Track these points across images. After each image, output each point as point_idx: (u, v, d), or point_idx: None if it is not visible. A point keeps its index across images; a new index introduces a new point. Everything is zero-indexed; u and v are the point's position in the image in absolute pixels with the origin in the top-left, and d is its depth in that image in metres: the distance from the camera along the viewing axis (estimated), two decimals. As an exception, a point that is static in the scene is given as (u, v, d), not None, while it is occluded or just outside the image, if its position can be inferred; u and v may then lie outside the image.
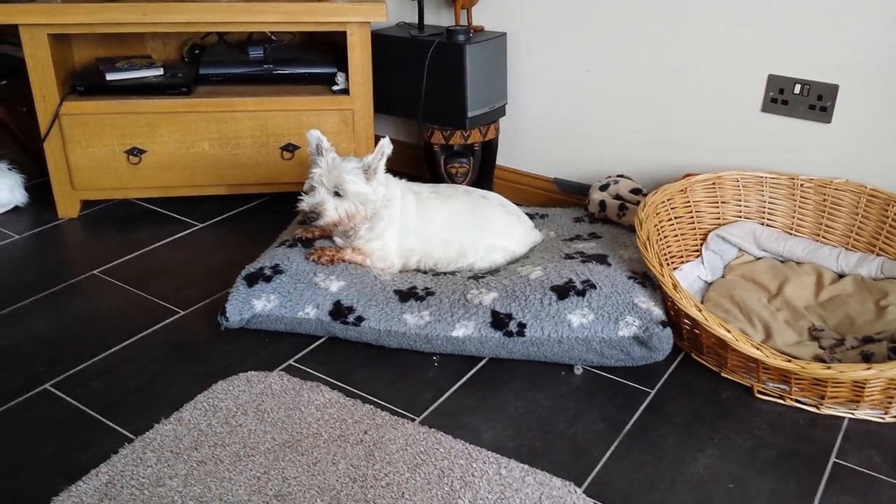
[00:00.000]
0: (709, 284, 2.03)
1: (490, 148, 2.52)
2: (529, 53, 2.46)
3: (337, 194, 1.90)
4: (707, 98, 2.19)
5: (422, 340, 1.80)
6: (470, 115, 2.36)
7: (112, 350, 1.83)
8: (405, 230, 1.99)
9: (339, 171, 1.89)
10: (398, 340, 1.81)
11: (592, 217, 2.23)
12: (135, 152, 2.39)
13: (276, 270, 1.92)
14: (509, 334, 1.75)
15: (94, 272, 2.17)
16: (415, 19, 2.56)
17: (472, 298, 1.82)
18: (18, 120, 2.67)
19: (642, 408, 1.68)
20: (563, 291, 1.78)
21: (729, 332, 1.64)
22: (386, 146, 1.90)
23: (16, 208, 2.52)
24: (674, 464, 1.52)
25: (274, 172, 2.49)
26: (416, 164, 2.76)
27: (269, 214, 2.54)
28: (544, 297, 1.77)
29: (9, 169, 2.51)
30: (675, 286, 1.71)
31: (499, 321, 1.76)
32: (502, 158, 2.60)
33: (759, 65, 2.09)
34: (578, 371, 1.78)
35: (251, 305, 1.86)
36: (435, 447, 1.54)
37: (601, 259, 1.90)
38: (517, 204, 2.20)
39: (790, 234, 2.08)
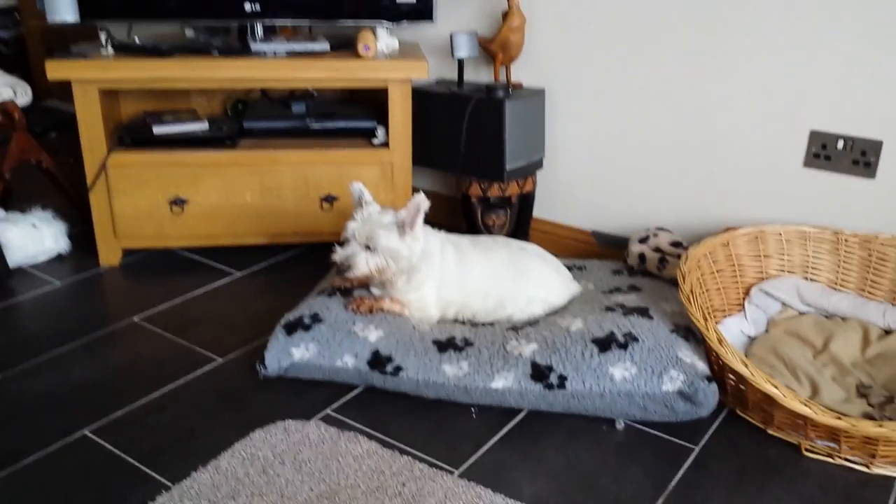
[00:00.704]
0: (752, 339, 1.99)
1: (527, 200, 2.53)
2: (568, 108, 2.48)
3: (368, 248, 1.92)
4: (748, 153, 2.19)
5: (460, 391, 1.78)
6: (508, 167, 2.38)
7: (151, 397, 1.84)
8: (444, 282, 1.99)
9: (371, 226, 1.91)
10: (436, 391, 1.79)
11: (632, 270, 2.22)
12: (178, 202, 2.44)
13: (315, 319, 1.92)
14: (550, 386, 1.73)
15: (135, 319, 2.19)
16: (454, 76, 2.61)
17: (512, 350, 1.80)
18: (64, 171, 2.75)
19: (687, 465, 1.63)
20: (604, 344, 1.76)
21: (776, 388, 1.61)
22: (421, 202, 1.91)
23: (58, 256, 2.57)
24: (722, 523, 1.48)
25: (313, 223, 2.52)
26: (452, 216, 2.78)
27: (307, 264, 2.56)
28: (585, 350, 1.75)
29: (53, 218, 2.57)
30: (720, 340, 1.68)
31: (539, 373, 1.74)
32: (539, 210, 2.61)
33: (802, 121, 2.09)
34: (620, 426, 1.74)
35: (289, 354, 1.86)
36: (475, 501, 1.50)
37: (643, 312, 1.88)
38: (555, 256, 2.19)
39: (835, 289, 2.05)
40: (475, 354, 1.81)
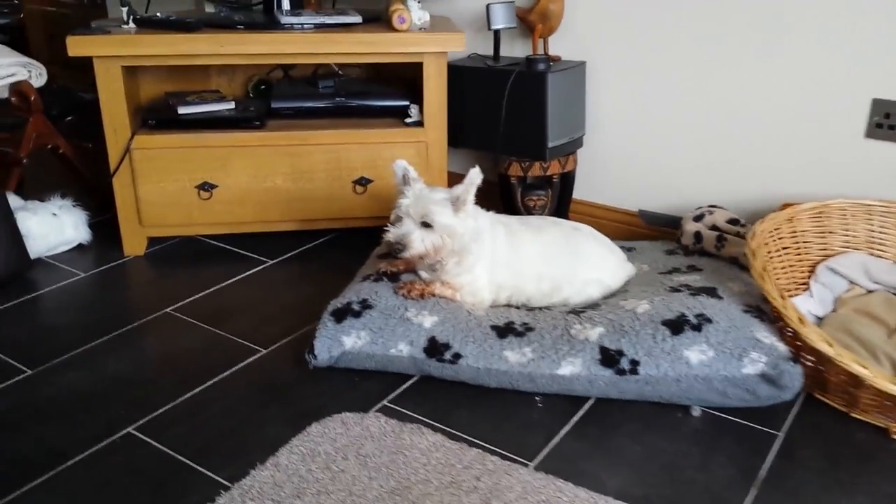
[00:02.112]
0: (820, 319, 1.91)
1: (568, 180, 2.43)
2: (609, 82, 2.38)
3: (424, 225, 1.81)
4: (805, 125, 2.10)
5: (524, 379, 1.68)
6: (550, 145, 2.28)
7: (194, 391, 1.73)
8: (495, 264, 1.89)
9: (426, 202, 1.81)
10: (498, 379, 1.70)
11: (687, 249, 2.12)
12: (206, 187, 2.32)
13: (365, 305, 1.82)
14: (621, 372, 1.63)
15: (168, 310, 2.08)
16: (486, 51, 2.51)
17: (577, 334, 1.71)
18: (82, 156, 2.63)
19: (773, 452, 1.54)
20: (676, 326, 1.66)
21: (865, 367, 1.52)
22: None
23: (79, 246, 2.45)
24: (821, 514, 1.39)
25: (346, 207, 2.41)
26: (488, 198, 2.65)
27: (341, 250, 2.45)
28: (657, 332, 1.66)
29: (73, 206, 2.45)
30: (800, 320, 1.59)
31: (609, 358, 1.65)
32: (579, 191, 2.51)
33: (862, 89, 2.00)
34: (696, 413, 1.65)
35: (340, 342, 1.76)
36: (557, 496, 1.41)
37: (710, 292, 1.79)
38: (604, 236, 2.10)
39: (903, 265, 1.97)
40: (538, 340, 1.72)
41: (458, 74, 2.38)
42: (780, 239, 1.92)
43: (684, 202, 2.33)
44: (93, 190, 2.65)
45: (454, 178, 2.54)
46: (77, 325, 2.01)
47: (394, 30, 2.26)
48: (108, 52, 2.15)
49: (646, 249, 2.18)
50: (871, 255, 1.98)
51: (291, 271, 2.33)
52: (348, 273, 2.18)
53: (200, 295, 2.16)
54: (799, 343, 1.63)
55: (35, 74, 2.49)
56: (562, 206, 2.46)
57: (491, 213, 1.96)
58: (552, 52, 2.42)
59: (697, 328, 1.65)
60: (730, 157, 2.24)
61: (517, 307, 1.92)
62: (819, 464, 1.51)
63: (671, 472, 1.49)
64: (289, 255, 2.42)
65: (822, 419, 1.64)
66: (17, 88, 2.43)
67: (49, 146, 2.52)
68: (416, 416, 1.65)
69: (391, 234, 1.83)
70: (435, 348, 1.73)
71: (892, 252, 1.98)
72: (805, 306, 1.92)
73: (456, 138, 2.44)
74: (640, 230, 2.43)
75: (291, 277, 2.29)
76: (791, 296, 1.94)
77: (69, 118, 2.58)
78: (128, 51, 2.16)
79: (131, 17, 2.23)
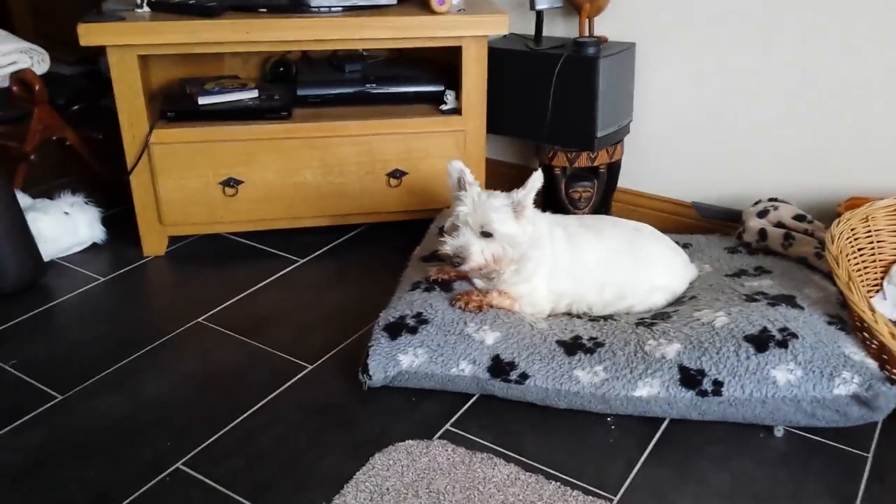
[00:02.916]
0: (894, 323, 1.81)
1: (614, 169, 2.30)
2: (659, 64, 2.23)
3: (483, 235, 1.69)
4: (872, 114, 1.98)
5: (597, 401, 1.58)
6: (599, 135, 2.14)
7: (243, 417, 1.61)
8: (555, 271, 1.78)
9: (486, 210, 1.68)
10: (569, 400, 1.59)
11: (750, 247, 2.01)
12: (231, 183, 2.17)
13: (421, 320, 1.70)
14: (703, 394, 1.53)
15: (200, 320, 1.95)
16: (523, 30, 2.35)
17: (652, 351, 1.60)
18: (90, 149, 2.45)
19: (866, 476, 1.46)
20: (760, 343, 1.56)
21: (966, 388, 1.43)
22: (537, 181, 1.69)
23: (94, 245, 2.29)
24: (931, 550, 1.31)
25: (380, 201, 2.27)
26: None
27: (375, 245, 2.32)
28: (739, 350, 1.55)
29: (85, 203, 2.29)
30: (893, 335, 1.49)
31: (689, 378, 1.54)
32: (624, 179, 2.37)
33: (941, 76, 1.88)
34: (780, 433, 1.56)
35: (397, 361, 1.65)
36: (650, 536, 1.32)
37: (790, 301, 1.68)
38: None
39: (982, 264, 1.87)
40: (609, 357, 1.61)
41: (498, 57, 2.22)
42: (855, 240, 1.81)
43: (739, 193, 2.21)
44: (106, 184, 2.48)
45: (491, 166, 2.42)
46: (104, 340, 1.87)
47: (430, 11, 2.10)
48: (124, 40, 1.97)
49: (703, 246, 2.07)
50: (947, 253, 1.88)
51: (326, 270, 2.19)
52: (387, 271, 2.07)
53: (232, 301, 2.03)
54: (885, 356, 1.53)
55: (37, 61, 2.31)
56: (607, 197, 2.33)
57: (548, 215, 1.84)
58: (598, 32, 2.27)
59: (783, 344, 1.55)
60: (791, 146, 2.11)
61: (578, 316, 1.81)
62: (918, 491, 1.43)
63: (765, 502, 1.40)
64: (320, 251, 2.28)
65: (912, 437, 1.56)
66: (19, 77, 2.24)
67: (55, 138, 2.35)
68: (483, 441, 1.55)
69: (448, 245, 1.70)
70: (500, 367, 1.62)
71: (970, 251, 1.88)
72: (879, 309, 1.82)
73: (494, 125, 2.29)
74: (689, 221, 2.31)
75: (327, 278, 2.15)
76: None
77: (76, 107, 2.40)
78: (145, 39, 1.98)
79: (144, 0, 2.05)
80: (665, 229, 2.27)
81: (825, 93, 2.03)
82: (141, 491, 1.43)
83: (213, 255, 2.27)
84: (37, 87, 2.24)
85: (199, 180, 2.16)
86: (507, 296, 1.77)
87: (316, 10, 2.09)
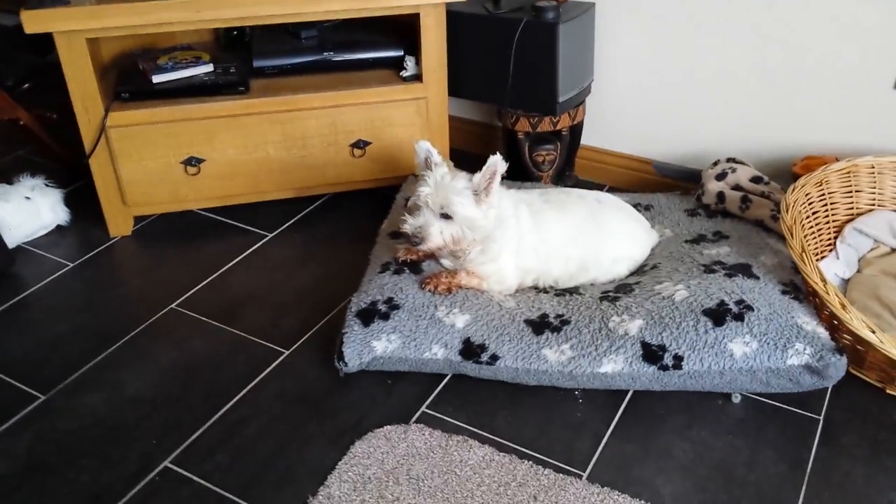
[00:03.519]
0: (846, 281, 1.90)
1: (577, 130, 2.32)
2: (619, 23, 2.22)
3: (444, 216, 1.72)
4: (831, 73, 2.00)
5: (565, 378, 1.65)
6: (561, 99, 2.15)
7: (225, 409, 1.66)
8: (522, 249, 1.82)
9: (446, 192, 1.70)
10: (538, 378, 1.67)
11: (709, 209, 2.06)
12: (192, 162, 2.15)
13: (392, 305, 1.74)
14: (664, 368, 1.61)
15: (173, 306, 1.97)
16: (480, -12, 2.31)
17: (616, 328, 1.67)
18: (45, 127, 2.39)
19: (816, 440, 1.57)
20: (718, 316, 1.63)
21: (909, 355, 1.53)
22: (498, 166, 1.70)
23: (59, 228, 2.28)
24: (872, 510, 1.43)
25: (344, 172, 2.27)
26: (487, 145, 2.56)
27: (340, 213, 2.33)
28: (698, 324, 1.63)
29: (46, 185, 2.26)
30: (843, 306, 1.58)
31: (651, 354, 1.62)
32: (586, 137, 2.40)
33: (893, 40, 1.90)
34: (737, 399, 1.66)
35: (371, 348, 1.70)
36: (617, 512, 1.42)
37: (746, 271, 1.75)
38: (611, 191, 2.02)
39: (927, 220, 1.95)
40: (575, 335, 1.68)
41: (457, 21, 2.19)
42: (809, 204, 1.88)
43: (699, 151, 2.25)
44: (65, 161, 2.43)
45: (455, 123, 2.42)
46: (79, 332, 1.89)
47: (386, -21, 2.06)
48: (72, 26, 1.91)
49: (664, 208, 2.12)
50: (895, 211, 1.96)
51: (294, 245, 2.21)
52: (354, 243, 2.11)
53: (203, 284, 2.05)
54: (836, 321, 1.62)
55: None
56: (570, 157, 2.36)
57: (512, 192, 1.86)
58: (556, -10, 2.24)
59: (739, 317, 1.63)
60: (749, 105, 2.15)
61: (545, 290, 1.86)
62: (862, 450, 1.54)
63: (723, 473, 1.50)
64: (287, 224, 2.29)
65: (859, 397, 1.66)
66: (-36, 58, 2.17)
67: (7, 119, 2.29)
68: (458, 422, 1.62)
69: (408, 224, 1.74)
70: (471, 350, 1.68)
71: (917, 208, 1.96)
72: (832, 269, 1.90)
73: (456, 88, 2.28)
74: (651, 178, 2.35)
75: (295, 253, 2.17)
76: (819, 258, 1.92)
77: (26, 86, 2.33)
78: (93, 24, 1.92)
79: (89, -23, 1.98)
80: (628, 186, 2.32)
81: (782, 52, 2.05)
82: (133, 492, 1.48)
83: (181, 232, 2.26)
84: (-18, 70, 2.17)
85: (159, 161, 2.14)
86: (474, 275, 1.81)
87: (269, -19, 2.03)
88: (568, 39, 2.09)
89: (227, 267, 2.12)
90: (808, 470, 1.50)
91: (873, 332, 1.55)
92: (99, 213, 2.22)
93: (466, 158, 2.52)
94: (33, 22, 1.88)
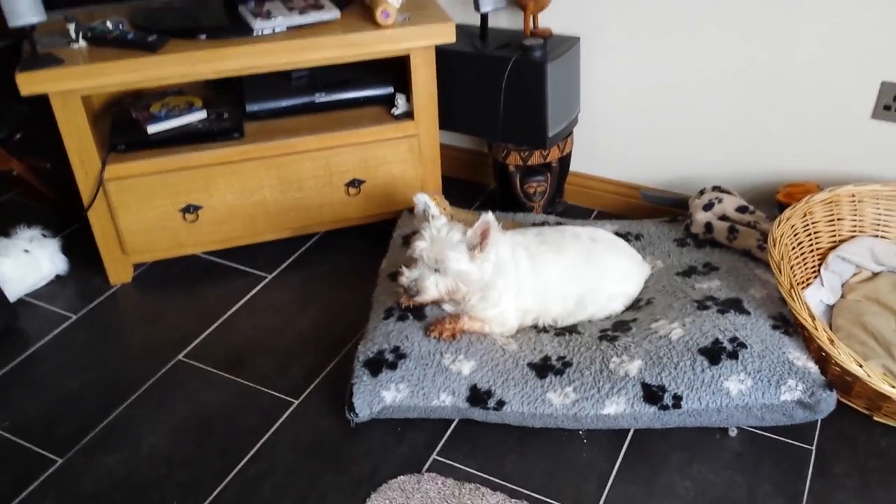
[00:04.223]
0: (831, 307, 1.98)
1: (566, 161, 2.37)
2: (603, 55, 2.27)
3: (438, 270, 1.77)
4: (810, 104, 2.07)
5: (569, 420, 1.72)
6: (550, 134, 2.20)
7: (241, 465, 1.71)
8: (521, 291, 1.87)
9: (441, 247, 1.76)
10: (544, 421, 1.73)
11: (697, 239, 2.13)
12: (190, 209, 2.18)
13: (399, 354, 1.79)
14: (665, 408, 1.68)
15: (180, 357, 2.00)
16: (468, 20, 2.34)
17: (616, 369, 1.73)
18: (39, 177, 2.40)
19: (811, 472, 1.65)
20: (713, 355, 1.70)
21: (894, 386, 1.61)
22: (490, 224, 1.74)
23: (57, 277, 2.29)
24: (866, 541, 1.51)
25: (340, 211, 2.31)
26: (478, 172, 2.61)
27: (336, 251, 2.37)
28: (695, 364, 1.70)
29: (43, 236, 2.27)
30: (831, 341, 1.65)
31: (651, 395, 1.69)
32: (575, 164, 2.45)
33: (872, 71, 1.97)
34: (733, 433, 1.73)
35: (380, 397, 1.75)
36: (627, 555, 1.49)
37: (737, 306, 1.82)
38: (600, 216, 2.07)
39: (907, 245, 2.03)
40: (578, 378, 1.74)
41: (446, 58, 2.22)
42: (794, 235, 1.95)
43: (685, 177, 2.31)
44: (60, 208, 2.44)
45: (445, 151, 2.45)
46: (90, 388, 1.92)
47: (376, 24, 2.08)
48: (68, 86, 1.92)
49: (654, 238, 2.18)
50: (877, 236, 2.04)
51: (294, 285, 2.25)
52: (354, 282, 2.18)
53: (208, 332, 2.08)
54: (824, 353, 1.70)
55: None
56: (560, 186, 2.42)
57: (509, 236, 1.91)
58: (542, 24, 2.28)
59: (734, 355, 1.70)
60: (731, 134, 2.21)
61: (545, 329, 1.92)
62: (854, 481, 1.62)
63: (724, 509, 1.58)
64: (286, 264, 2.33)
65: (848, 425, 1.74)
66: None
67: (1, 171, 2.29)
68: (469, 469, 1.68)
69: (405, 277, 1.79)
70: (477, 396, 1.74)
71: (894, 234, 2.03)
72: (817, 296, 1.98)
73: (446, 121, 2.32)
74: (638, 203, 2.41)
75: (297, 294, 2.21)
76: (805, 286, 2.00)
77: (18, 136, 2.33)
78: (89, 83, 1.94)
79: (80, 34, 1.98)
80: (616, 210, 2.38)
81: (763, 81, 2.11)
82: (159, 557, 1.53)
83: (181, 276, 2.29)
84: (-26, 125, 2.17)
85: (158, 210, 2.16)
86: (476, 319, 1.86)
87: (261, 32, 2.05)
88: (556, 76, 2.14)
89: (230, 312, 2.15)
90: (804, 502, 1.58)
91: (861, 365, 1.63)
92: (97, 261, 2.24)
93: (458, 185, 2.59)
94: (29, 84, 1.89)
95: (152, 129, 2.14)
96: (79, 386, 1.94)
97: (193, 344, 2.05)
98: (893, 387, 1.61)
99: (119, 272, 2.25)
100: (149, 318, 2.17)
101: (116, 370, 1.98)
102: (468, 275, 1.78)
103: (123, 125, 2.19)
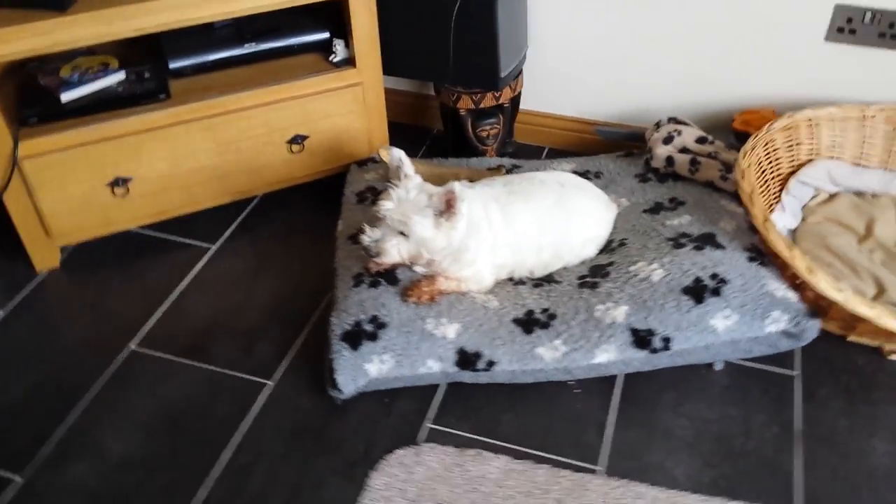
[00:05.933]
0: (793, 232, 2.01)
1: (517, 101, 2.28)
2: (548, -13, 2.17)
3: (402, 233, 1.68)
4: (765, 28, 2.04)
5: (561, 372, 1.69)
6: (503, 74, 2.10)
7: (224, 458, 1.60)
8: (497, 247, 1.80)
9: (406, 209, 1.66)
10: (535, 376, 1.69)
11: (658, 173, 2.10)
12: (119, 182, 1.98)
13: (378, 324, 1.70)
14: (655, 351, 1.67)
15: (131, 347, 1.84)
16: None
17: (602, 317, 1.70)
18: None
19: (799, 399, 1.68)
20: (697, 293, 1.69)
21: (873, 308, 1.64)
22: (456, 192, 1.64)
23: (-27, 267, 2.06)
24: (859, 459, 1.56)
25: (283, 171, 2.15)
26: (424, 116, 2.49)
27: (281, 212, 2.22)
28: (680, 304, 1.69)
29: (-50, 224, 2.02)
30: (809, 269, 1.67)
31: (641, 340, 1.67)
32: (524, 102, 2.36)
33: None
34: (719, 367, 1.75)
35: (364, 371, 1.66)
36: (637, 502, 1.49)
37: (712, 241, 1.81)
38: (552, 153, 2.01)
39: (859, 165, 2.06)
40: (565, 330, 1.70)
41: (386, -2, 2.07)
42: (758, 165, 1.94)
43: (638, 109, 2.27)
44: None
45: (387, 96, 2.30)
46: (36, 394, 1.74)
47: (309, -36, 1.90)
48: (-34, 56, 1.67)
49: (615, 175, 2.14)
50: (832, 158, 2.06)
51: (242, 254, 2.09)
52: (305, 246, 2.06)
53: (158, 315, 1.92)
54: (799, 281, 1.72)
55: None
56: (511, 126, 2.33)
57: (479, 191, 1.82)
58: (481, -44, 2.14)
59: (716, 292, 1.69)
60: (684, 62, 2.17)
61: (521, 281, 1.86)
62: (839, 402, 1.67)
63: (723, 445, 1.59)
64: (229, 231, 2.16)
65: (826, 347, 1.76)
66: None
67: None
68: (465, 434, 1.63)
69: (366, 237, 1.69)
70: (466, 360, 1.67)
71: (849, 154, 2.06)
72: (780, 222, 2.00)
73: (389, 66, 2.17)
74: (593, 138, 2.35)
75: (248, 263, 2.06)
76: (768, 212, 2.01)
77: None
78: (-6, 50, 1.69)
79: (-31, -7, 1.72)
80: (568, 147, 2.33)
81: (718, 10, 2.06)
82: (152, 570, 1.43)
83: (116, 256, 2.09)
84: None
85: (83, 186, 1.95)
86: (452, 279, 1.78)
87: (179, -21, 1.83)
88: (506, 12, 2.02)
89: (178, 290, 1.99)
90: (798, 431, 1.62)
91: (840, 291, 1.66)
92: (18, 247, 2.01)
93: (402, 130, 2.45)
94: (-83, 56, 1.63)
95: (66, 96, 1.91)
96: (22, 392, 1.75)
97: (144, 330, 1.88)
98: (872, 308, 1.65)
99: (44, 257, 2.03)
100: (87, 305, 1.98)
101: (62, 369, 1.80)
102: (432, 241, 1.68)
103: (32, 95, 1.94)
